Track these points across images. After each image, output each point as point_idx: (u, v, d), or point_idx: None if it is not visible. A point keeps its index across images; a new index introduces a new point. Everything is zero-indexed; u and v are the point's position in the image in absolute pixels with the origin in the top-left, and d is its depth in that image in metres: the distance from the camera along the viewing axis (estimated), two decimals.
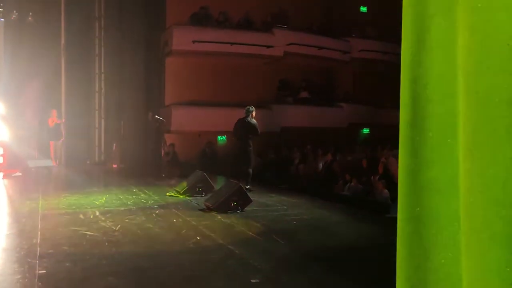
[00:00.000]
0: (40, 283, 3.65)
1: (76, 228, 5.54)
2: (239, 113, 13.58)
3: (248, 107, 9.20)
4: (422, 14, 1.47)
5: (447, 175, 1.42)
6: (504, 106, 1.16)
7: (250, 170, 8.95)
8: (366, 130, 16.60)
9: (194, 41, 13.06)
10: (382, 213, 7.51)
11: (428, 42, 1.45)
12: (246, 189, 7.95)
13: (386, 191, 8.99)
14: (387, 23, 16.95)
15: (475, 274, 1.24)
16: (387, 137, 15.10)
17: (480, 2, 1.21)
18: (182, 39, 13.11)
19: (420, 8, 1.47)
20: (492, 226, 1.18)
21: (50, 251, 4.58)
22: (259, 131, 9.07)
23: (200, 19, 13.89)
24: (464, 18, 1.29)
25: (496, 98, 1.18)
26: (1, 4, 13.18)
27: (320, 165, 12.38)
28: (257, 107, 14.12)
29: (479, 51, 1.23)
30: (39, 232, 5.31)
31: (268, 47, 13.94)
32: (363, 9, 17.13)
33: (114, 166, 13.35)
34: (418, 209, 1.47)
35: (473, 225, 1.25)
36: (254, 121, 9.04)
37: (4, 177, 10.44)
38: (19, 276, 3.83)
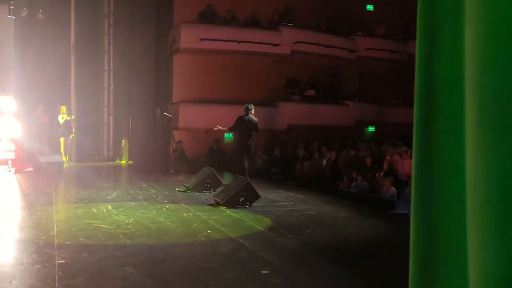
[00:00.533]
0: (60, 272, 3.82)
1: (90, 221, 5.71)
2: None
3: (247, 105, 9.43)
4: (434, 22, 1.64)
5: (454, 161, 1.58)
6: (505, 100, 1.32)
7: (246, 164, 9.25)
8: (371, 128, 16.69)
9: (201, 39, 13.19)
10: (388, 210, 7.64)
11: (439, 46, 1.62)
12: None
13: (393, 188, 9.11)
14: (393, 21, 17.06)
15: (478, 244, 1.40)
16: (393, 135, 15.25)
17: (483, 13, 1.37)
18: (190, 37, 13.24)
19: (432, 17, 1.64)
20: (493, 203, 1.34)
21: (67, 242, 4.76)
22: (258, 126, 9.37)
23: (208, 17, 14.03)
24: (470, 26, 1.45)
25: (497, 93, 1.34)
26: (12, 2, 13.39)
27: (324, 162, 12.52)
28: (263, 105, 14.41)
29: (483, 53, 1.39)
30: (54, 225, 5.49)
31: (275, 45, 14.04)
32: (370, 7, 17.19)
33: (123, 162, 13.54)
34: (430, 191, 1.64)
35: (477, 203, 1.41)
36: (255, 118, 9.32)
37: (16, 172, 10.66)
38: (39, 266, 4.00)
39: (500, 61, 1.34)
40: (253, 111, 9.37)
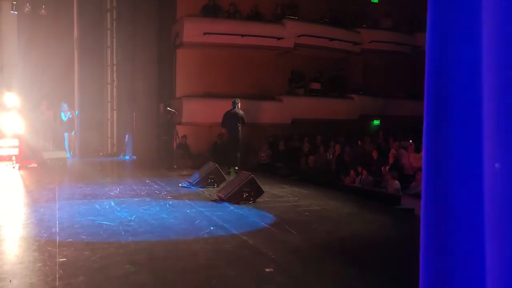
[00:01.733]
0: (61, 271, 3.77)
1: (93, 218, 5.67)
2: (250, 105, 13.71)
3: (234, 99, 10.26)
4: (446, 9, 1.53)
5: (469, 161, 1.48)
6: None
7: (238, 154, 10.16)
8: (377, 122, 16.56)
9: (205, 33, 13.09)
10: (393, 205, 7.56)
11: (453, 37, 1.50)
12: (236, 170, 9.60)
13: (396, 182, 9.03)
14: (398, 14, 16.86)
15: (497, 253, 1.31)
16: (398, 128, 15.11)
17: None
18: (193, 31, 13.14)
19: (444, 3, 1.53)
20: None
21: (69, 240, 4.72)
22: (245, 120, 10.22)
23: (211, 10, 13.92)
24: (487, 15, 1.35)
25: None
26: None
27: (329, 156, 12.43)
28: (267, 99, 14.32)
29: (503, 46, 1.29)
30: (57, 222, 5.45)
31: (279, 38, 13.92)
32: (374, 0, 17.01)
33: (127, 157, 13.51)
34: (443, 192, 1.54)
35: (495, 209, 1.32)
36: (241, 111, 10.15)
37: (20, 168, 10.65)
38: (40, 264, 3.96)
39: None
40: (239, 105, 10.16)
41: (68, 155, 13.08)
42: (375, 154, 11.21)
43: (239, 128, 10.12)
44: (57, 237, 4.78)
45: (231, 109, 10.09)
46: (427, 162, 1.61)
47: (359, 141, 13.21)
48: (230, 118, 10.05)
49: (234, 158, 10.11)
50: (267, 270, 3.92)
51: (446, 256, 1.55)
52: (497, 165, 1.33)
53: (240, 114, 10.09)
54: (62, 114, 13.18)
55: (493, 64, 1.35)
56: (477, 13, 1.45)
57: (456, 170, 1.52)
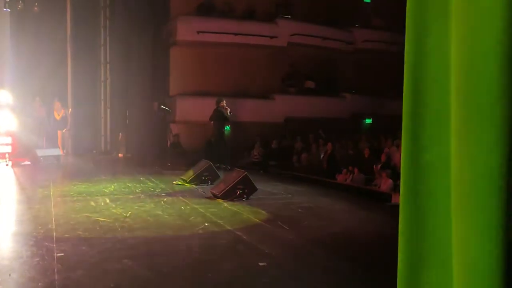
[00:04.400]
0: (59, 265, 3.85)
1: (88, 214, 5.74)
2: (243, 104, 13.82)
3: (217, 98, 10.97)
4: (422, 21, 1.68)
5: (441, 157, 1.64)
6: (487, 99, 1.37)
7: (226, 151, 10.88)
8: (368, 120, 16.73)
9: (198, 32, 13.17)
10: (384, 202, 7.70)
11: (428, 46, 1.66)
12: (223, 167, 9.94)
13: (390, 181, 9.18)
14: (390, 13, 17.02)
15: (462, 238, 1.46)
16: (390, 127, 15.28)
17: (468, 12, 1.42)
18: (187, 29, 13.22)
19: (420, 15, 1.68)
20: (477, 196, 1.40)
21: (66, 235, 4.79)
22: (228, 118, 10.85)
23: (205, 9, 13.99)
24: (456, 26, 1.50)
25: (481, 93, 1.39)
26: None
27: (321, 154, 12.57)
28: (260, 97, 14.42)
29: (468, 54, 1.44)
30: (53, 218, 5.52)
31: (272, 37, 14.04)
32: None
33: (120, 155, 13.56)
34: (418, 185, 1.68)
35: (462, 197, 1.47)
36: (223, 109, 10.79)
37: (13, 165, 10.66)
38: (38, 259, 4.03)
39: (481, 61, 1.38)
40: (222, 104, 10.79)
41: (62, 153, 13.10)
42: (366, 153, 11.36)
43: (221, 125, 10.86)
44: (54, 233, 4.85)
45: (217, 107, 10.83)
46: (406, 153, 1.76)
47: (349, 143, 13.34)
48: (214, 116, 10.87)
49: (220, 155, 10.67)
50: (261, 264, 4.03)
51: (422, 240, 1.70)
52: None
53: (221, 112, 10.75)
54: (55, 113, 13.19)
55: (458, 71, 1.50)
56: (448, 21, 1.60)
57: (430, 163, 1.68)
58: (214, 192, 7.14)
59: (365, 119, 16.64)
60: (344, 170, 10.61)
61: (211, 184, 8.18)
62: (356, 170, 10.14)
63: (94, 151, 14.16)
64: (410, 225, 1.75)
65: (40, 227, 5.09)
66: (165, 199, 6.92)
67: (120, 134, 13.83)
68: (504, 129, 1.32)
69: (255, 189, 7.12)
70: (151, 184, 8.37)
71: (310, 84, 15.72)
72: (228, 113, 10.80)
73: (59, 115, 13.13)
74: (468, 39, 1.42)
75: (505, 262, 1.34)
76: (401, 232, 1.79)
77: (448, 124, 1.58)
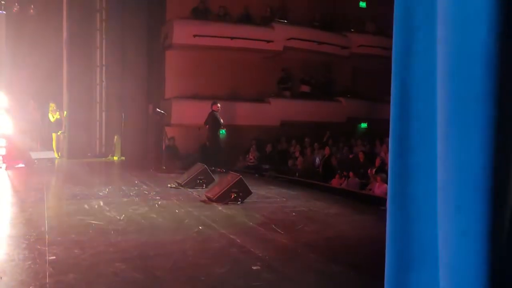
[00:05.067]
0: (51, 268, 3.83)
1: (82, 218, 5.71)
2: (238, 107, 13.83)
3: (212, 101, 11.25)
4: (408, 27, 1.69)
5: (428, 159, 1.64)
6: (472, 102, 1.39)
7: (218, 154, 11.05)
8: (364, 125, 16.77)
9: (194, 35, 13.17)
10: (378, 206, 7.71)
11: (414, 50, 1.67)
12: (218, 171, 10.02)
13: (385, 185, 9.20)
14: (385, 18, 17.09)
15: (445, 240, 1.46)
16: (385, 131, 15.31)
17: (454, 15, 1.43)
18: (183, 32, 13.23)
19: (407, 21, 1.70)
20: (460, 196, 1.41)
21: (58, 238, 4.76)
22: (220, 122, 11.07)
23: (201, 13, 14.01)
24: (442, 29, 1.51)
25: (467, 95, 1.41)
26: None
27: (317, 159, 12.59)
28: (256, 101, 14.44)
29: (454, 57, 1.45)
30: (46, 221, 5.49)
31: (268, 41, 14.06)
32: (363, 4, 17.22)
33: (115, 158, 13.52)
34: (406, 188, 1.69)
35: (446, 197, 1.48)
36: (215, 113, 11.03)
37: (7, 168, 10.60)
38: (30, 262, 4.01)
39: (466, 64, 1.40)
40: (215, 107, 11.08)
41: (56, 156, 13.05)
42: (361, 157, 11.39)
43: (214, 128, 11.06)
44: (46, 236, 4.82)
45: (211, 111, 11.12)
46: (393, 156, 1.76)
47: (345, 148, 13.37)
48: (207, 119, 11.13)
49: (213, 158, 10.80)
50: (254, 267, 4.02)
51: (408, 243, 1.70)
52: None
53: (213, 115, 11.01)
54: (50, 116, 13.15)
55: (443, 75, 1.51)
56: (434, 27, 1.61)
57: (416, 166, 1.68)
58: (208, 195, 7.13)
59: (360, 123, 16.69)
60: (339, 174, 10.63)
61: (205, 187, 8.18)
62: (351, 174, 10.16)
63: (89, 154, 14.10)
64: (396, 227, 1.75)
65: (32, 230, 5.06)
66: (159, 202, 6.90)
67: (116, 137, 13.78)
68: (489, 131, 1.33)
69: (250, 193, 7.12)
70: (146, 187, 8.35)
71: (305, 88, 15.75)
72: (221, 121, 11.06)
73: (53, 117, 13.09)
74: (454, 42, 1.43)
75: (490, 264, 1.34)
76: (388, 234, 1.79)
77: (434, 126, 1.59)
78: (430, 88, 1.63)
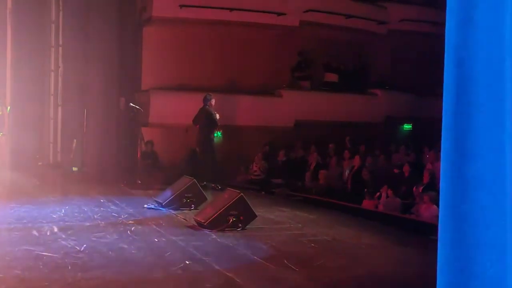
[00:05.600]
0: None
1: (29, 248, 5.72)
2: (239, 102, 13.84)
3: (206, 94, 11.15)
4: None
5: (493, 168, 1.61)
6: None
7: (212, 162, 10.99)
8: (408, 126, 16.75)
9: (181, 6, 13.24)
10: (427, 235, 7.68)
11: (475, 21, 1.64)
12: (212, 187, 10.25)
13: (434, 207, 9.17)
14: None
15: None
16: (436, 134, 15.26)
17: None
18: (165, 2, 13.30)
19: None
20: None
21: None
22: (216, 120, 10.99)
23: None
24: None
25: None
26: None
27: (347, 171, 12.57)
28: (262, 93, 14.46)
29: None
30: None
31: (279, 14, 14.11)
32: None
33: (74, 169, 13.57)
34: (463, 205, 1.66)
35: None
36: (211, 110, 11.00)
37: None
38: None
39: None
40: (212, 103, 11.06)
41: None
42: (406, 170, 11.35)
43: (210, 129, 11.05)
44: None
45: (203, 106, 11.02)
46: (446, 165, 1.74)
47: (381, 157, 13.33)
48: (201, 116, 11.03)
49: (206, 170, 10.86)
50: None
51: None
52: None
53: (209, 113, 10.92)
54: None
55: None
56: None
57: (479, 177, 1.66)
58: (198, 219, 7.14)
59: (403, 124, 16.67)
60: (373, 193, 10.61)
61: (194, 208, 8.20)
62: (390, 192, 10.14)
63: (40, 163, 14.16)
64: (451, 263, 1.73)
65: None
66: (132, 228, 6.91)
67: (75, 141, 13.84)
68: None
69: (254, 216, 7.13)
70: (115, 208, 8.38)
71: (331, 77, 15.74)
72: (217, 117, 10.92)
73: None
74: None
75: None
76: (440, 273, 1.77)
77: (504, 122, 1.55)
78: (497, 71, 1.59)
